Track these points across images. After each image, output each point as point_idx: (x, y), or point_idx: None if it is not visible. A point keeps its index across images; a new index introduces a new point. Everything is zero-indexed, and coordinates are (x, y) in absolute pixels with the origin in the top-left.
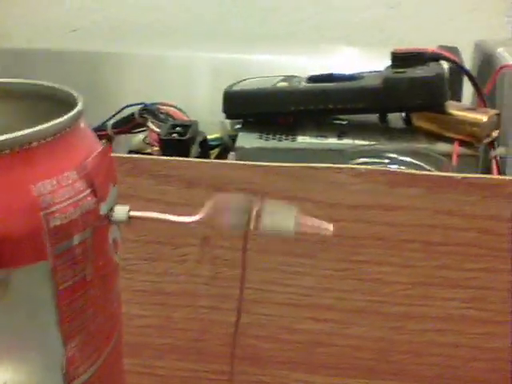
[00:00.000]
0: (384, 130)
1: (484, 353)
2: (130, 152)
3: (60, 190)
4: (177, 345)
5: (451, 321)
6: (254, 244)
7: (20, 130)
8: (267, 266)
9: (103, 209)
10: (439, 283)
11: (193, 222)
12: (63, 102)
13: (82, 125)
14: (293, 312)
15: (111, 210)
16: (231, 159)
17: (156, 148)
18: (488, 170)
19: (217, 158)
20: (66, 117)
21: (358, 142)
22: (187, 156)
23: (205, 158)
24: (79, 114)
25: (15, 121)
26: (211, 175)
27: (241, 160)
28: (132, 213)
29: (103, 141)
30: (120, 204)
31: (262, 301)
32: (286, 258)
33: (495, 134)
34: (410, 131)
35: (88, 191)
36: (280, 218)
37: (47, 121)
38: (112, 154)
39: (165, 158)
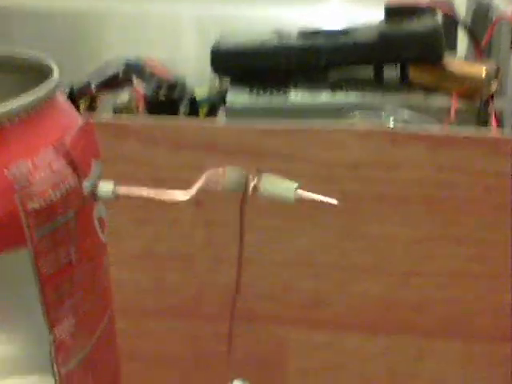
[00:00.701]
0: (379, 86)
1: (487, 307)
2: (116, 111)
3: (37, 170)
4: (172, 307)
5: (455, 276)
6: (250, 204)
7: None
8: (264, 225)
9: (86, 187)
10: (442, 240)
11: (184, 201)
12: (37, 72)
13: (59, 97)
14: (291, 271)
15: (95, 187)
16: (221, 117)
17: (142, 106)
18: (487, 124)
19: (206, 116)
20: (39, 90)
21: (352, 95)
22: (175, 116)
23: (194, 116)
24: (55, 86)
25: None
26: (201, 138)
27: (231, 118)
28: (118, 189)
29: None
30: (105, 180)
31: (259, 260)
32: (284, 219)
33: (494, 87)
34: (406, 86)
35: (68, 170)
36: (279, 186)
37: (19, 95)
38: (96, 119)
39: (152, 120)
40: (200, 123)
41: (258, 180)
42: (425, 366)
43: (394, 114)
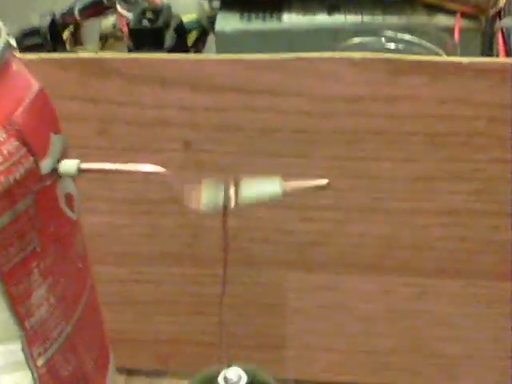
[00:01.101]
0: (379, 3)
1: (490, 246)
2: (101, 37)
3: None
4: (167, 251)
5: (456, 214)
6: (240, 148)
7: None
8: (257, 168)
9: (45, 167)
10: (444, 176)
11: (157, 173)
12: None
13: (11, 65)
14: (285, 214)
15: (57, 163)
16: (210, 45)
17: (126, 34)
18: (492, 44)
19: (194, 43)
20: None
21: (350, 18)
22: (161, 45)
23: (181, 44)
24: (4, 52)
25: None
26: (189, 72)
27: (221, 46)
28: (83, 165)
29: (67, 34)
30: (68, 156)
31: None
32: (275, 159)
33: (502, 2)
34: (407, 3)
35: (23, 151)
36: (262, 186)
37: None
38: (74, 55)
39: (135, 55)
40: (186, 57)
41: (238, 192)
42: (425, 305)
43: (394, 40)
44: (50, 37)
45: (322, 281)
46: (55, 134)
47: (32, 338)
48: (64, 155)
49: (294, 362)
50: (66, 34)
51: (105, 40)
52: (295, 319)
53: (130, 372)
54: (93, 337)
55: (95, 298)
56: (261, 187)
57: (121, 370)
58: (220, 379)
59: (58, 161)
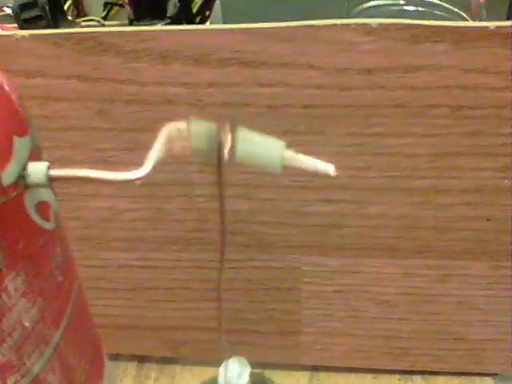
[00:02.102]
0: None
1: None
2: (106, 4)
3: None
4: (174, 236)
5: (482, 192)
6: (247, 126)
7: None
8: None
9: (7, 177)
10: (469, 152)
11: (137, 179)
12: None
13: None
14: (300, 195)
15: (24, 171)
16: (217, 12)
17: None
18: None
19: (200, 10)
20: None
21: None
22: (164, 13)
23: (185, 12)
24: None
25: None
26: (191, 45)
27: (227, 12)
28: (54, 172)
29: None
30: (36, 160)
31: (264, 185)
32: (288, 137)
33: None
34: None
35: None
36: (261, 149)
37: None
38: (68, 30)
39: (134, 28)
40: (188, 29)
41: (234, 138)
42: (448, 288)
43: (413, 3)
44: (49, 8)
45: (339, 264)
46: (20, 136)
47: (4, 366)
48: (35, 158)
49: (311, 348)
50: (68, 4)
51: (109, 8)
52: (311, 304)
53: (141, 359)
54: (84, 344)
55: (83, 304)
56: (259, 147)
57: (132, 357)
58: (221, 369)
59: (25, 168)
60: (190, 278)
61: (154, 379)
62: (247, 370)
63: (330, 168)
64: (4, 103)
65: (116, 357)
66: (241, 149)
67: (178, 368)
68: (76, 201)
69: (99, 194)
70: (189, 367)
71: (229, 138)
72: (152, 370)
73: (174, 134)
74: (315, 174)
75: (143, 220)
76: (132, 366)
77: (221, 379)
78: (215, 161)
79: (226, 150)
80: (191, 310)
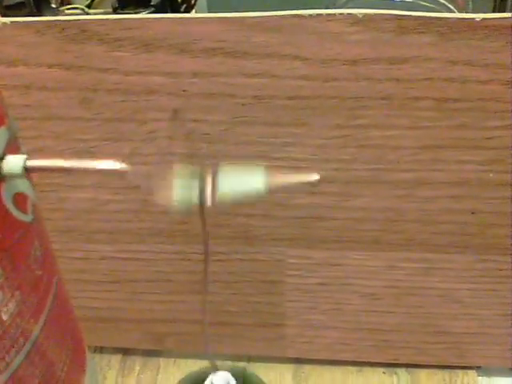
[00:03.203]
0: None
1: (503, 218)
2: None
3: None
4: (159, 228)
5: (467, 185)
6: (232, 117)
7: None
8: (250, 138)
9: None
10: (454, 145)
11: (111, 170)
12: None
13: None
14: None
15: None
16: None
17: None
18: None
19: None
20: None
21: None
22: (148, 2)
23: (170, 2)
24: None
25: None
26: (173, 34)
27: (212, 2)
28: (31, 162)
29: None
30: (13, 151)
31: None
32: (272, 129)
33: None
34: None
35: None
36: (244, 179)
37: None
38: (51, 18)
39: (117, 16)
40: (171, 17)
41: (215, 185)
42: (431, 281)
43: None
44: None
45: (324, 257)
46: None
47: None
48: (12, 150)
49: (295, 341)
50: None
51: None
52: (296, 297)
53: (125, 352)
54: (65, 338)
55: (64, 298)
56: (242, 181)
57: (116, 350)
58: None
59: (2, 158)
60: (174, 270)
61: (138, 372)
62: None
63: (313, 176)
64: None
65: (100, 350)
66: (222, 191)
67: (162, 361)
68: (58, 192)
69: (82, 185)
70: (173, 360)
71: (209, 187)
72: (136, 362)
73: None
74: (300, 185)
75: (127, 212)
76: (116, 359)
77: None
78: (198, 210)
79: (209, 200)
80: (175, 303)
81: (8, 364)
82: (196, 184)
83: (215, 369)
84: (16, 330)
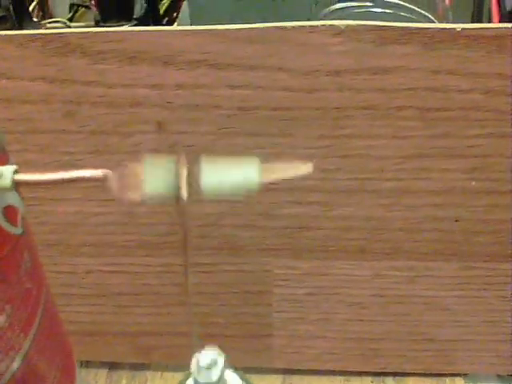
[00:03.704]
0: None
1: (487, 226)
2: (72, 5)
3: None
4: (144, 240)
5: (451, 194)
6: (217, 128)
7: None
8: (235, 149)
9: None
10: (437, 154)
11: (98, 179)
12: None
13: None
14: (270, 197)
15: None
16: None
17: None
18: (483, 8)
19: (167, 11)
20: None
21: None
22: (131, 15)
23: (153, 13)
24: None
25: None
26: (157, 47)
27: (195, 14)
28: (19, 176)
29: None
30: (1, 163)
31: None
32: (257, 139)
33: None
34: None
35: None
36: (233, 170)
37: None
38: (33, 31)
39: (100, 28)
40: (154, 30)
41: (194, 173)
42: (418, 289)
43: (381, 5)
44: (13, 9)
45: (310, 267)
46: None
47: None
48: (1, 161)
49: (283, 351)
50: (33, 5)
51: (75, 10)
52: (283, 307)
53: (112, 365)
54: (55, 351)
55: (53, 311)
56: (231, 172)
57: (102, 364)
58: (192, 365)
59: None
60: (161, 282)
61: None
62: (221, 358)
63: (307, 168)
64: None
65: (86, 364)
66: (206, 181)
67: (149, 374)
68: (43, 205)
69: (67, 198)
70: (160, 373)
71: (187, 174)
72: (123, 376)
73: (125, 176)
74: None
75: (112, 224)
76: (102, 373)
77: (193, 368)
78: (175, 202)
79: (186, 190)
80: (162, 316)
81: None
82: (171, 172)
83: (201, 346)
84: (6, 344)
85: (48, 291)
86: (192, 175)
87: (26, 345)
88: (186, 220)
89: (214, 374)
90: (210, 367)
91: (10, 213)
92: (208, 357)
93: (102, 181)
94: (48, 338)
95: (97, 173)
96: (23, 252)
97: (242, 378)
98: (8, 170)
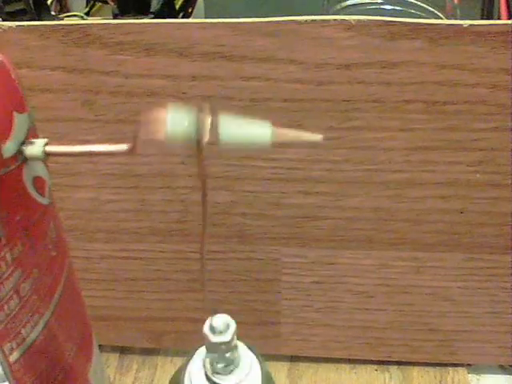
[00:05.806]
0: None
1: (491, 218)
2: (88, 1)
3: None
4: (156, 227)
5: (456, 186)
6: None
7: None
8: None
9: (7, 150)
10: (443, 146)
11: (123, 152)
12: None
13: None
14: (280, 187)
15: (22, 146)
16: (199, 9)
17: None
18: (494, 6)
19: (183, 6)
20: None
21: None
22: (147, 9)
23: (169, 8)
24: None
25: None
26: (173, 38)
27: (210, 9)
28: (50, 148)
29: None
30: (33, 137)
31: (246, 177)
32: None
33: None
34: None
35: None
36: (248, 126)
37: None
38: (55, 22)
39: (118, 20)
40: (172, 22)
41: (214, 122)
42: (423, 279)
43: (390, 2)
44: (33, 2)
45: (318, 256)
46: (19, 113)
47: (1, 333)
48: (32, 135)
49: (290, 339)
50: (51, 4)
51: (92, 4)
52: (291, 295)
53: (123, 350)
54: (73, 323)
55: (74, 283)
56: (246, 127)
57: (114, 349)
58: (205, 328)
59: (24, 143)
60: (172, 269)
61: (135, 370)
62: (233, 322)
63: (317, 137)
64: (5, 80)
65: (98, 348)
66: (224, 131)
67: (159, 359)
68: (59, 191)
69: (82, 185)
70: (170, 358)
71: (209, 122)
72: (134, 361)
73: (150, 120)
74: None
75: (126, 211)
76: (114, 358)
77: (206, 330)
78: (195, 147)
79: (207, 135)
80: (173, 301)
81: (24, 339)
82: (193, 119)
83: (214, 312)
84: (32, 307)
85: (71, 264)
86: (212, 123)
87: (49, 310)
88: (204, 167)
89: (228, 334)
90: (222, 330)
91: (39, 183)
92: (221, 319)
93: (126, 154)
94: (68, 310)
95: (122, 147)
96: (50, 222)
97: (253, 352)
98: (40, 141)
